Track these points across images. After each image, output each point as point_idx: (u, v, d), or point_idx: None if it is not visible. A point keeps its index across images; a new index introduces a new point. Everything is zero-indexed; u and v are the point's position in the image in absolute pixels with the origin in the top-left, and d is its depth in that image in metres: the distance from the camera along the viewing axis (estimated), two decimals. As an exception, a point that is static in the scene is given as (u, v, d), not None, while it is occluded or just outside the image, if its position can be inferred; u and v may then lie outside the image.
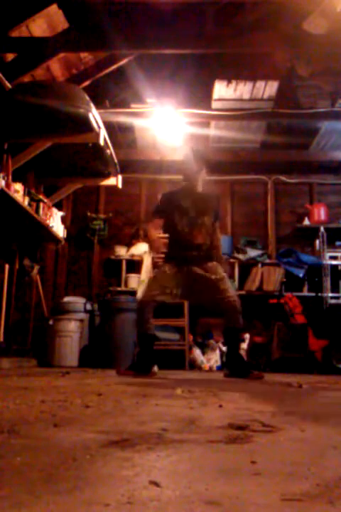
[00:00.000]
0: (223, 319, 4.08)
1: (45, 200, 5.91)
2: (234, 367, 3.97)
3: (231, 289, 4.08)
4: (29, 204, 5.40)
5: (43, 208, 5.80)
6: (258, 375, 3.95)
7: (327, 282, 6.93)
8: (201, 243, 3.98)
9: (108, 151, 5.57)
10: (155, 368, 3.96)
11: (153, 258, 7.00)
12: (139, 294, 6.57)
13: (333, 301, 6.95)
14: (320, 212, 7.37)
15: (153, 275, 4.11)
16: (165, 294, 3.91)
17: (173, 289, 3.93)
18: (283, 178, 7.83)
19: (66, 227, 6.81)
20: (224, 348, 6.77)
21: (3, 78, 4.71)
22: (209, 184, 4.44)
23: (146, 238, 4.47)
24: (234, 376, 3.90)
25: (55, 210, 6.30)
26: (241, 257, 7.33)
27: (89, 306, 6.34)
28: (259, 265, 7.30)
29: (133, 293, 6.80)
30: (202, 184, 4.12)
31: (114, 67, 6.58)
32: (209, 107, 6.51)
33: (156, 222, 4.16)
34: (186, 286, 3.98)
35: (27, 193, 5.36)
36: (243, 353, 6.68)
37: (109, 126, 5.85)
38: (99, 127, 4.97)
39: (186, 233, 3.98)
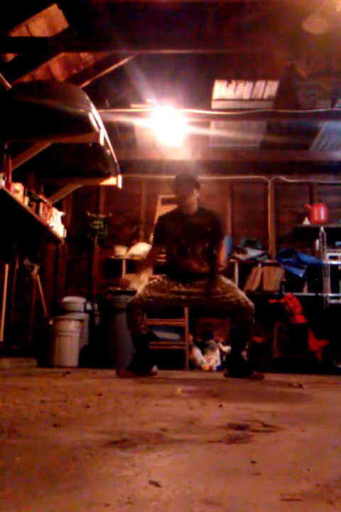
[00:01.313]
0: (231, 319, 4.05)
1: (45, 200, 5.91)
2: (234, 366, 3.97)
3: (239, 291, 4.01)
4: (29, 204, 5.40)
5: (43, 208, 5.81)
6: (259, 375, 3.95)
7: (327, 282, 6.92)
8: (195, 271, 3.90)
9: (108, 151, 5.57)
10: (155, 368, 3.96)
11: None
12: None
13: (333, 301, 6.95)
14: (320, 212, 7.37)
15: (151, 283, 4.04)
16: (156, 296, 3.88)
17: (165, 291, 3.90)
18: (283, 178, 7.83)
19: (66, 227, 6.81)
20: (224, 348, 6.78)
21: (3, 78, 4.71)
22: (207, 207, 4.33)
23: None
24: (234, 376, 3.90)
25: (55, 210, 6.30)
26: (241, 257, 7.32)
27: (89, 306, 6.34)
28: (259, 265, 7.30)
29: (133, 293, 6.78)
30: (195, 205, 4.00)
31: (114, 67, 6.58)
32: (209, 107, 6.51)
33: (155, 250, 4.23)
34: (183, 295, 3.93)
35: (27, 193, 5.36)
36: (244, 353, 6.70)
37: (109, 126, 5.85)
38: (99, 127, 4.98)
39: (179, 261, 3.94)
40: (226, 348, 6.80)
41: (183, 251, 3.92)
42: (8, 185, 4.79)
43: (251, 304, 3.87)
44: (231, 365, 4.04)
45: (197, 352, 6.68)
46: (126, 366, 4.08)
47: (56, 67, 6.15)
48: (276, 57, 6.48)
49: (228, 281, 4.02)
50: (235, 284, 4.06)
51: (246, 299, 3.91)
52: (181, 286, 3.92)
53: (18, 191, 5.08)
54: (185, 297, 3.94)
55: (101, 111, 5.42)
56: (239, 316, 3.88)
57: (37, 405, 1.77)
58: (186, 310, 6.37)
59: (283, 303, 6.36)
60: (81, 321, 6.02)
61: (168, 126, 6.81)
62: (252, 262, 7.34)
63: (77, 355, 5.86)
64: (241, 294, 3.95)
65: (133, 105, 6.61)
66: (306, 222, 7.42)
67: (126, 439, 1.15)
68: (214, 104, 6.46)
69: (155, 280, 4.03)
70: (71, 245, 7.67)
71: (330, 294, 6.92)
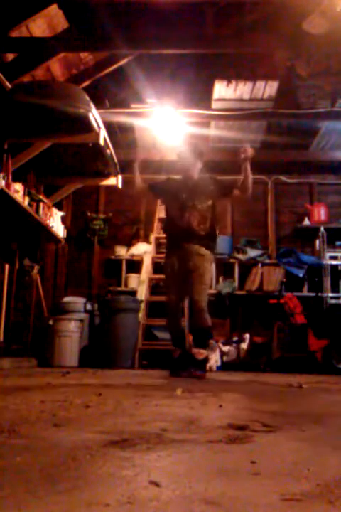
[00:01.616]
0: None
1: (45, 200, 5.91)
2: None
3: (205, 288, 3.95)
4: (29, 204, 5.40)
5: (43, 208, 5.80)
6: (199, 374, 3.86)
7: (327, 282, 6.92)
8: (195, 228, 3.95)
9: (108, 151, 5.57)
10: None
11: (153, 258, 7.00)
12: (140, 295, 6.58)
13: (333, 301, 6.95)
14: (320, 212, 7.37)
15: (165, 274, 4.17)
16: (176, 290, 3.97)
17: (178, 288, 3.98)
18: (283, 178, 7.82)
19: (66, 227, 6.81)
20: (224, 348, 6.77)
21: (3, 78, 4.71)
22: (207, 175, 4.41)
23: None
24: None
25: (55, 210, 6.30)
26: (241, 257, 7.33)
27: (89, 306, 6.34)
28: (259, 265, 7.30)
29: (133, 293, 6.80)
30: (197, 173, 4.15)
31: (114, 67, 6.58)
32: (209, 107, 6.51)
33: (144, 186, 4.31)
34: (179, 261, 4.00)
35: (27, 193, 5.36)
36: (243, 352, 6.70)
37: (109, 126, 5.85)
38: (99, 127, 4.97)
39: (177, 217, 4.01)
40: (226, 348, 6.80)
41: (184, 205, 3.99)
42: (8, 185, 4.79)
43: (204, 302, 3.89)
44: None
45: (197, 352, 6.66)
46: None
47: (56, 67, 6.15)
48: (276, 57, 6.48)
49: (205, 266, 3.96)
50: (205, 280, 3.96)
51: (201, 297, 3.88)
52: (176, 260, 3.97)
53: (18, 191, 5.08)
54: (178, 268, 3.96)
55: (101, 111, 5.42)
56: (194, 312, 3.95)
57: (37, 405, 1.77)
58: (186, 310, 6.36)
59: (283, 303, 6.36)
60: (81, 321, 6.02)
61: (168, 126, 6.81)
62: (252, 262, 7.34)
63: (77, 355, 5.85)
64: (203, 292, 3.92)
65: (133, 105, 6.60)
66: (306, 222, 7.42)
67: (126, 439, 1.15)
68: (214, 104, 6.46)
69: (165, 273, 4.13)
70: (71, 245, 7.66)
71: (330, 294, 6.92)
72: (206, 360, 4.14)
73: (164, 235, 4.50)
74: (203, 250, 3.95)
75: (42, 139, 5.24)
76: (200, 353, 3.90)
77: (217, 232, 4.26)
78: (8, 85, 4.78)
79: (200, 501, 0.70)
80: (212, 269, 4.23)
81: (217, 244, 4.20)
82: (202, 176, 4.24)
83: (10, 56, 5.36)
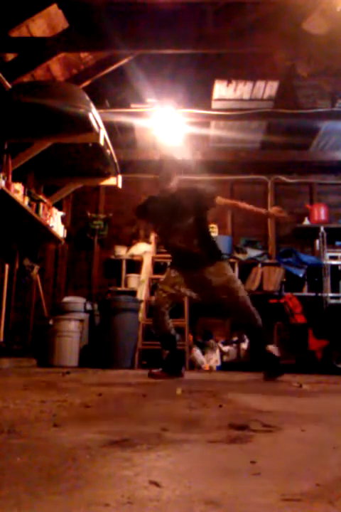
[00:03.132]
0: (235, 319, 3.99)
1: (45, 200, 5.91)
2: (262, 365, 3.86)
3: (242, 287, 3.89)
4: (29, 204, 5.40)
5: (43, 208, 5.80)
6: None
7: (327, 282, 6.92)
8: (185, 249, 3.82)
9: (108, 151, 5.57)
10: (183, 369, 3.99)
11: (153, 258, 7.00)
12: (140, 295, 6.58)
13: (333, 301, 6.95)
14: (320, 212, 7.37)
15: (161, 280, 4.03)
16: (174, 294, 3.87)
17: (181, 288, 3.86)
18: (283, 178, 7.82)
19: (66, 227, 6.81)
20: (224, 348, 6.78)
21: (3, 78, 4.71)
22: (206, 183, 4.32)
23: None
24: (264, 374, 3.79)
25: (55, 210, 6.29)
26: (241, 257, 7.32)
27: (89, 306, 6.34)
28: (259, 265, 7.30)
29: (133, 293, 6.80)
30: (175, 187, 3.92)
31: (114, 67, 6.58)
32: (209, 107, 6.51)
33: (140, 222, 4.19)
34: (194, 287, 3.90)
35: (27, 193, 5.35)
36: (243, 352, 6.70)
37: (109, 126, 5.85)
38: (99, 127, 4.97)
39: (168, 238, 3.93)
40: (226, 348, 6.80)
41: (168, 229, 3.90)
42: (8, 185, 4.79)
43: (249, 299, 3.83)
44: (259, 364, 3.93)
45: (197, 352, 6.67)
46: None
47: (56, 67, 6.15)
48: (276, 57, 6.48)
49: (230, 272, 3.92)
50: (234, 282, 3.88)
51: (245, 295, 3.84)
52: (180, 276, 3.86)
53: (18, 191, 5.08)
54: (184, 289, 3.89)
55: (101, 111, 5.42)
56: (240, 313, 3.84)
57: (37, 405, 1.77)
58: (186, 310, 6.37)
59: (283, 303, 6.36)
60: (81, 321, 6.02)
61: (168, 126, 6.81)
62: (252, 262, 7.34)
63: (77, 355, 5.85)
64: (243, 291, 3.86)
65: (133, 105, 6.60)
66: (306, 222, 7.42)
67: (126, 439, 1.15)
68: (214, 104, 6.46)
69: (166, 275, 3.99)
70: (71, 245, 7.66)
71: (330, 294, 6.92)
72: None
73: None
74: (214, 265, 3.81)
75: (42, 139, 5.24)
76: (274, 350, 3.90)
77: (211, 236, 4.13)
78: (8, 85, 4.78)
79: (200, 501, 0.70)
80: (231, 269, 4.09)
81: (216, 245, 4.06)
82: (183, 188, 4.02)
83: (10, 56, 5.36)
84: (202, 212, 3.92)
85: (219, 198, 3.91)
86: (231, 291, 3.79)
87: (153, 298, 3.94)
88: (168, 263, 4.20)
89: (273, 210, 4.00)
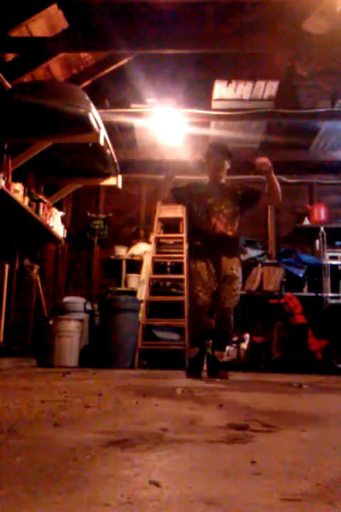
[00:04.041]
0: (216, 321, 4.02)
1: (45, 200, 5.91)
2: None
3: (236, 296, 3.93)
4: (29, 204, 5.40)
5: (43, 208, 5.80)
6: (224, 374, 3.88)
7: (327, 282, 6.92)
8: (223, 232, 3.85)
9: (108, 151, 5.57)
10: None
11: (153, 258, 7.00)
12: (140, 295, 6.58)
13: (333, 301, 6.94)
14: (320, 212, 7.37)
15: (192, 277, 3.98)
16: (208, 293, 3.88)
17: (212, 286, 3.87)
18: (283, 178, 7.81)
19: (66, 227, 6.81)
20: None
21: (3, 78, 4.71)
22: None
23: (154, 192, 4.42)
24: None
25: (55, 210, 6.29)
26: (241, 257, 7.32)
27: (89, 306, 6.34)
28: (259, 265, 7.29)
29: (133, 293, 6.80)
30: (224, 178, 4.02)
31: (114, 67, 6.58)
32: (209, 107, 6.50)
33: (168, 194, 4.04)
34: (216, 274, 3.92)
35: (27, 193, 5.36)
36: (243, 352, 6.70)
37: (109, 126, 5.85)
38: (99, 127, 4.97)
39: (204, 221, 3.91)
40: (226, 348, 6.79)
41: (210, 210, 3.89)
42: (8, 185, 4.79)
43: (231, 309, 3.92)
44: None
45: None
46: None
47: (56, 67, 6.15)
48: (276, 57, 6.48)
49: (239, 273, 3.95)
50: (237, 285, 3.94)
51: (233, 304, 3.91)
52: (208, 264, 3.87)
53: (18, 191, 5.08)
54: (209, 271, 3.88)
55: (101, 111, 5.42)
56: (219, 318, 3.93)
57: (37, 405, 1.77)
58: (186, 310, 6.36)
59: (283, 303, 6.36)
60: (81, 321, 6.02)
61: (168, 126, 6.81)
62: (252, 262, 7.33)
63: (77, 355, 5.85)
64: (235, 298, 3.92)
65: (133, 105, 6.60)
66: (306, 222, 7.42)
67: (126, 439, 1.15)
68: (214, 104, 6.46)
69: (197, 271, 3.92)
70: (71, 245, 7.66)
71: (330, 294, 6.92)
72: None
73: (190, 239, 4.33)
74: (235, 258, 3.91)
75: (42, 139, 5.24)
76: (221, 356, 4.02)
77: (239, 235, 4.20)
78: (8, 85, 4.78)
79: (200, 501, 0.70)
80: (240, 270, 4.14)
81: (239, 244, 4.17)
82: (229, 179, 4.11)
83: (10, 56, 5.36)
84: (245, 207, 4.02)
85: (264, 197, 4.02)
86: (230, 292, 3.84)
87: (198, 301, 3.88)
88: (191, 254, 4.11)
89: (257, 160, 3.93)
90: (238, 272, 3.91)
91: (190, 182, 4.26)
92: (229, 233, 3.88)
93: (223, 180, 4.03)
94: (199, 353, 3.99)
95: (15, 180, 5.04)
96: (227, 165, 4.01)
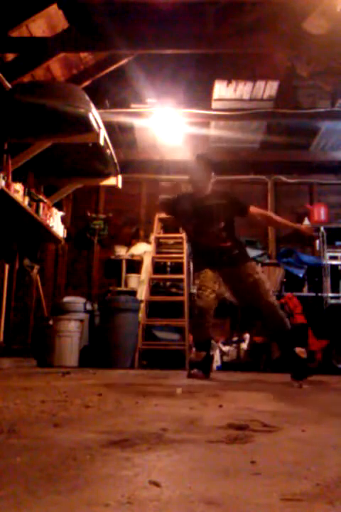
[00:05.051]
0: (263, 322, 4.00)
1: (45, 200, 5.91)
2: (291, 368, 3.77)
3: (271, 291, 3.87)
4: (29, 204, 5.40)
5: (43, 208, 5.80)
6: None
7: (327, 282, 6.92)
8: (217, 247, 3.81)
9: (108, 151, 5.57)
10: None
11: (153, 258, 7.00)
12: (140, 295, 6.58)
13: (333, 301, 6.94)
14: (320, 212, 7.37)
15: (198, 281, 3.94)
16: (218, 294, 3.87)
17: (215, 287, 3.85)
18: (283, 178, 7.82)
19: (66, 227, 6.81)
20: (224, 348, 6.77)
21: (3, 78, 4.71)
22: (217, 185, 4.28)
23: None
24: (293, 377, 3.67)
25: (55, 210, 6.29)
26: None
27: (89, 306, 6.34)
28: (259, 265, 7.29)
29: (133, 293, 6.80)
30: (209, 188, 3.97)
31: (114, 67, 6.58)
32: (209, 107, 6.51)
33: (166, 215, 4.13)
34: (226, 285, 3.92)
35: (27, 193, 5.36)
36: (243, 352, 6.70)
37: (109, 126, 5.85)
38: (99, 127, 4.97)
39: (198, 240, 3.94)
40: (226, 348, 6.80)
41: (198, 231, 3.89)
42: (8, 185, 4.79)
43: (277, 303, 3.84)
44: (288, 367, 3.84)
45: (197, 352, 6.66)
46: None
47: (56, 67, 6.15)
48: (276, 58, 6.48)
49: (260, 274, 3.88)
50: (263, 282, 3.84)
51: (274, 299, 3.83)
52: (215, 269, 3.85)
53: (18, 191, 5.08)
54: (223, 289, 3.90)
55: (101, 111, 5.42)
56: (269, 318, 3.80)
57: (37, 405, 1.77)
58: (186, 310, 6.37)
59: (283, 303, 6.35)
60: (81, 321, 6.02)
61: (168, 126, 6.81)
62: (252, 262, 7.32)
63: (77, 355, 5.85)
64: (272, 295, 3.83)
65: (133, 105, 6.60)
66: (306, 222, 7.41)
67: (126, 439, 1.15)
68: (214, 104, 6.46)
69: (202, 275, 3.89)
70: (71, 245, 7.66)
71: (330, 294, 6.91)
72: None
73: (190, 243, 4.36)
74: (247, 264, 3.83)
75: (42, 139, 5.24)
76: (302, 352, 3.83)
77: (240, 239, 4.15)
78: (8, 85, 4.78)
79: (200, 501, 0.70)
80: (260, 270, 4.10)
81: (245, 247, 4.13)
82: (215, 190, 4.05)
83: (10, 56, 5.36)
84: (232, 218, 3.93)
85: (253, 208, 3.94)
86: (259, 293, 3.76)
87: (199, 301, 3.83)
88: (195, 266, 4.13)
89: (303, 226, 4.06)
90: (258, 275, 3.82)
91: (177, 197, 4.23)
92: (228, 244, 3.83)
93: (206, 192, 3.95)
94: (206, 356, 3.95)
95: (15, 180, 5.04)
96: (211, 178, 3.96)
